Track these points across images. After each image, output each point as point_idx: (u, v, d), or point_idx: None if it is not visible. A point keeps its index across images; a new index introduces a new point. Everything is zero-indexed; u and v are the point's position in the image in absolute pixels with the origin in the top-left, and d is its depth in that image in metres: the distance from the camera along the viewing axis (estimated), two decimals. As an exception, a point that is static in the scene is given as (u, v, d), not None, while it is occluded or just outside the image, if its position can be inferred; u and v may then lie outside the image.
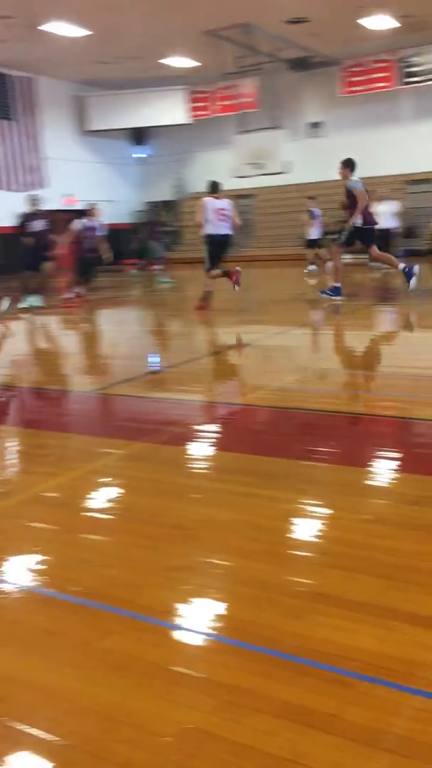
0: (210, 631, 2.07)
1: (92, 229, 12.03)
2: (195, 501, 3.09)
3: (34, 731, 1.68)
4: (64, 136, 21.35)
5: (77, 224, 12.01)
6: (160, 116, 21.62)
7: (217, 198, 9.88)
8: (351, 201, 9.71)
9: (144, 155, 24.03)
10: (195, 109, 21.77)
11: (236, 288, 9.81)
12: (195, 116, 21.77)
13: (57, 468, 3.67)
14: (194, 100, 21.71)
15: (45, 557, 2.60)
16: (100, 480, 3.44)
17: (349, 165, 9.88)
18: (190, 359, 6.79)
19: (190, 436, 4.11)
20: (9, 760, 1.59)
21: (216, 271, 9.88)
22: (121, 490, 3.31)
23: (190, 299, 10.66)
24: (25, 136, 20.04)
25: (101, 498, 3.22)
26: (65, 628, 2.11)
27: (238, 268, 9.94)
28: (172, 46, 17.91)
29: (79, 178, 21.12)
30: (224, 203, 9.90)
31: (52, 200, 19.86)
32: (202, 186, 11.19)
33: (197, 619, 2.14)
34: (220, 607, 2.20)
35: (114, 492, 3.30)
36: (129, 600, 2.22)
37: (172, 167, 23.22)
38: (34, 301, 11.06)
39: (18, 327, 9.87)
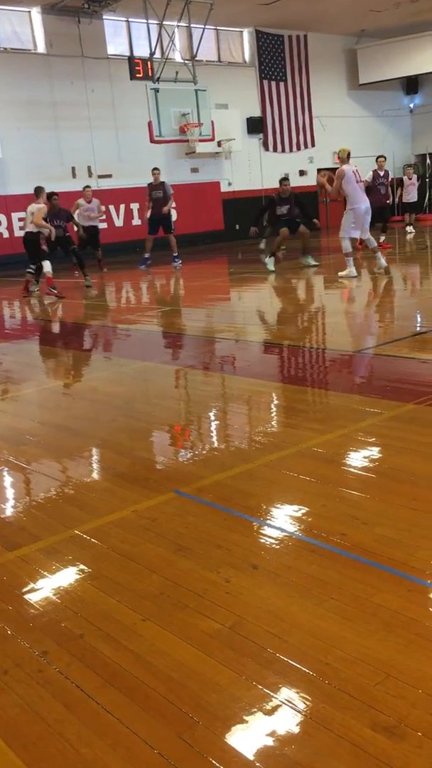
0: None
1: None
2: (468, 467, 2.97)
3: (307, 670, 1.77)
4: (333, 93, 21.10)
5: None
6: (433, 61, 20.34)
7: None
8: None
9: (411, 105, 22.88)
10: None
11: None
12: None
13: (325, 425, 3.74)
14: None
15: (314, 510, 2.68)
16: (368, 439, 3.44)
17: None
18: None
19: (463, 401, 3.93)
20: (283, 695, 1.70)
21: None
22: (388, 451, 3.28)
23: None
24: (297, 95, 20.20)
25: (368, 457, 3.23)
26: (336, 579, 2.17)
27: None
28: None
29: (348, 133, 20.80)
30: None
31: (326, 159, 20.01)
32: None
33: (472, 588, 2.07)
34: None
35: (381, 452, 3.28)
36: (401, 560, 2.22)
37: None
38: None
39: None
